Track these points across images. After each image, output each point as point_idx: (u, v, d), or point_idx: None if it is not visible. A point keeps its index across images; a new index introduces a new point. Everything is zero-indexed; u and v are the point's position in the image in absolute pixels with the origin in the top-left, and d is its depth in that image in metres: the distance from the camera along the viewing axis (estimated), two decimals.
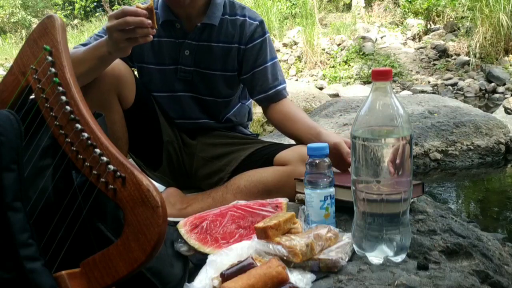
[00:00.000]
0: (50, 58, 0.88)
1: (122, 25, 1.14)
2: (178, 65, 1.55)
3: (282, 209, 1.14)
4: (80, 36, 12.08)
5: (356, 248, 1.01)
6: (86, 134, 0.82)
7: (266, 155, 1.49)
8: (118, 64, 1.39)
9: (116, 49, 1.19)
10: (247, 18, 1.54)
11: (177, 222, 1.11)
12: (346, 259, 0.98)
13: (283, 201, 1.17)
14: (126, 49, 1.21)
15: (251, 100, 1.72)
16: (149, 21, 1.14)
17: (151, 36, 1.18)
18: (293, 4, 10.43)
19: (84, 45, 1.43)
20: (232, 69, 1.57)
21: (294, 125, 1.53)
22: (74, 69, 0.89)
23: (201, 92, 1.59)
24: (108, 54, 1.22)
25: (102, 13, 13.87)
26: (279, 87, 1.58)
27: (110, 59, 1.27)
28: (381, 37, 9.52)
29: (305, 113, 1.58)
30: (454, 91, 6.91)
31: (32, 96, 0.90)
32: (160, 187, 1.64)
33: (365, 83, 7.61)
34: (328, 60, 8.75)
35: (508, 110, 4.54)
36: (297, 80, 8.25)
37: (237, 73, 1.58)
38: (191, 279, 0.94)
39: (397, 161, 0.93)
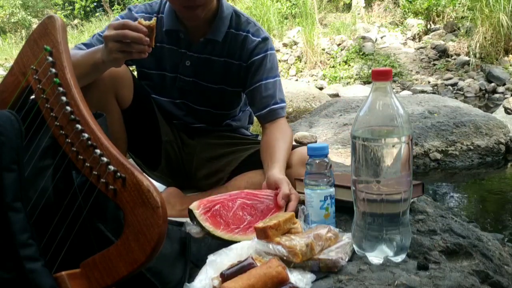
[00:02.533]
0: (50, 58, 0.88)
1: (119, 37, 1.12)
2: (178, 74, 1.54)
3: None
4: (80, 36, 12.08)
5: (356, 248, 1.01)
6: (86, 135, 0.82)
7: None
8: None
9: (109, 58, 1.18)
10: (249, 35, 1.51)
11: (179, 222, 1.11)
12: (346, 259, 0.98)
13: None
14: (119, 60, 1.19)
15: None
16: (147, 39, 1.12)
17: (147, 54, 1.16)
18: (293, 4, 10.44)
19: (85, 45, 1.43)
20: (234, 85, 1.56)
21: (263, 154, 1.45)
22: None
23: (197, 103, 1.58)
24: (102, 62, 1.20)
25: (102, 13, 13.87)
26: (273, 107, 1.50)
27: (103, 67, 1.25)
28: (381, 37, 9.53)
29: (285, 143, 1.43)
30: (454, 91, 6.91)
31: (33, 97, 0.90)
32: (160, 186, 1.65)
33: (365, 83, 7.61)
34: (328, 60, 8.75)
35: (508, 110, 4.54)
36: (297, 80, 8.25)
37: (241, 89, 1.57)
38: (191, 279, 0.94)
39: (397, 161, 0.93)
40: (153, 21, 1.14)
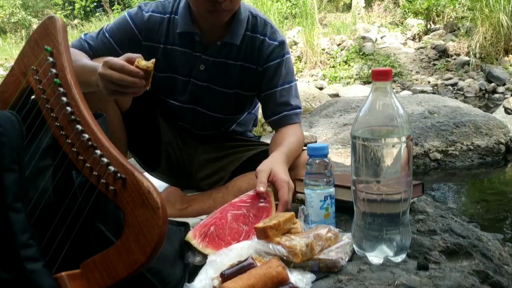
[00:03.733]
0: (51, 59, 0.88)
1: (114, 79, 1.05)
2: (191, 78, 1.49)
3: (270, 196, 1.18)
4: None
5: (356, 248, 1.01)
6: (86, 135, 0.82)
7: None
8: None
9: (103, 92, 1.11)
10: (266, 38, 1.46)
11: (179, 222, 1.11)
12: (346, 259, 0.98)
13: (268, 189, 1.19)
14: (112, 96, 1.14)
15: (258, 106, 1.68)
16: (143, 82, 1.06)
17: (141, 93, 1.10)
18: (293, 4, 10.44)
19: (90, 46, 1.41)
20: (249, 89, 1.52)
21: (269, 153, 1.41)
22: None
23: (208, 108, 1.54)
24: (96, 86, 1.12)
25: (102, 13, 13.86)
26: (287, 112, 1.47)
27: (96, 89, 1.15)
28: (381, 37, 9.53)
29: (293, 140, 1.41)
30: (454, 91, 6.92)
31: (33, 97, 0.91)
32: (161, 186, 1.65)
33: (365, 83, 7.62)
34: (328, 60, 8.76)
35: (508, 110, 4.55)
36: (297, 80, 8.25)
37: (256, 93, 1.54)
38: (191, 279, 0.95)
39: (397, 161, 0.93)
40: (152, 63, 1.06)
